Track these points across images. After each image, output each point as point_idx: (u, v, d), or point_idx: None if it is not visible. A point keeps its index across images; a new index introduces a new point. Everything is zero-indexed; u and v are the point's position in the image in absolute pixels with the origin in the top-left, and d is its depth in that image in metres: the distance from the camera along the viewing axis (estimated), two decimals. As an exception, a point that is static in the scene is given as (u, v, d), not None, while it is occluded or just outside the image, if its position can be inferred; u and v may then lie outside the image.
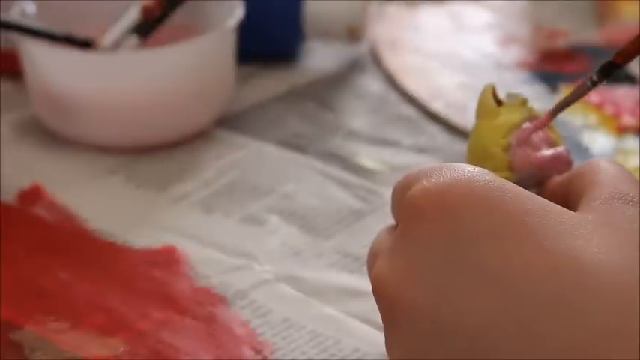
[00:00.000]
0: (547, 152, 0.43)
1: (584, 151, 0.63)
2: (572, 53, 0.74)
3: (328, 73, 0.73)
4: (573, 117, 0.66)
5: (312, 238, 0.56)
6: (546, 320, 0.33)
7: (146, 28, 0.64)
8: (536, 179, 0.42)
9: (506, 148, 0.42)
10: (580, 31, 0.77)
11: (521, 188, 0.37)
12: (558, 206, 0.36)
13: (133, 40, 0.64)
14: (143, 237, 0.56)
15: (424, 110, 0.68)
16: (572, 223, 0.35)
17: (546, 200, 0.37)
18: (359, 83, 0.72)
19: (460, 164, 0.38)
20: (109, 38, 0.64)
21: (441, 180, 0.37)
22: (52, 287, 0.52)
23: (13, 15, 0.64)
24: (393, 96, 0.70)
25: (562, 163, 0.42)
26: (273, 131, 0.65)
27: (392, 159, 0.63)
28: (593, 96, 0.67)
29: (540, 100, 0.68)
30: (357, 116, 0.68)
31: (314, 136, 0.65)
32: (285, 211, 0.58)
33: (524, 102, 0.43)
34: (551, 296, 0.34)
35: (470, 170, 0.37)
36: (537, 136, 0.43)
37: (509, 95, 0.43)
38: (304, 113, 0.68)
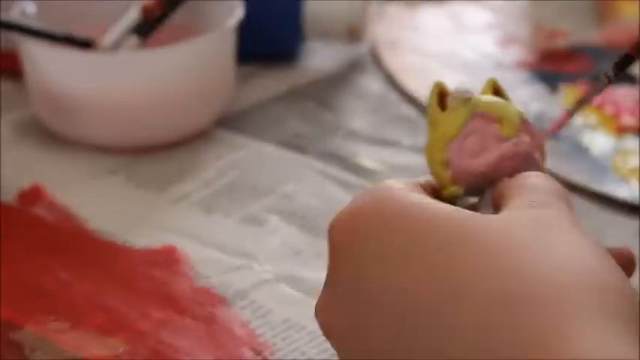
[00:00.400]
0: (488, 155, 0.40)
1: (584, 151, 0.63)
2: (572, 53, 0.74)
3: (328, 73, 0.73)
4: (573, 117, 0.66)
5: (312, 238, 0.56)
6: (427, 338, 0.34)
7: (146, 28, 0.64)
8: (488, 183, 0.40)
9: (446, 163, 0.40)
10: (580, 31, 0.77)
11: (427, 201, 0.37)
12: (465, 215, 0.36)
13: (133, 40, 0.64)
14: (143, 237, 0.56)
15: (424, 110, 0.68)
16: (467, 234, 0.35)
17: (456, 211, 0.36)
18: (359, 83, 0.72)
19: (384, 184, 0.38)
20: (109, 38, 0.64)
21: (348, 208, 0.38)
22: (52, 287, 0.52)
23: (13, 15, 0.64)
24: (393, 96, 0.70)
25: (508, 160, 0.40)
26: (273, 131, 0.65)
27: (392, 159, 0.63)
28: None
29: (540, 100, 0.68)
30: (357, 116, 0.68)
31: (314, 136, 0.65)
32: (285, 211, 0.58)
33: (465, 100, 0.40)
34: (429, 315, 0.34)
35: (379, 191, 0.38)
36: (485, 134, 0.40)
37: (452, 97, 0.41)
38: (304, 113, 0.68)
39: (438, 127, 0.41)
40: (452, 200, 0.40)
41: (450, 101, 0.41)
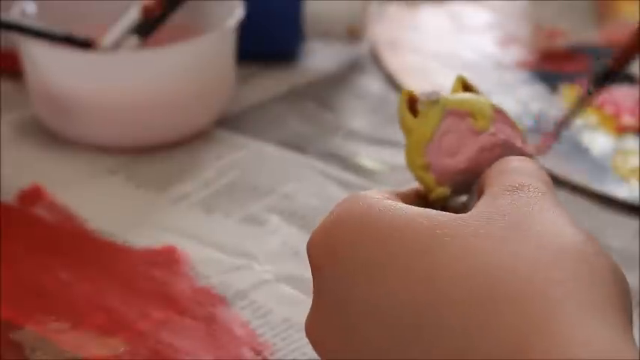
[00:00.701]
0: (466, 151, 0.40)
1: (584, 151, 0.63)
2: (572, 53, 0.74)
3: (328, 73, 0.73)
4: (559, 135, 0.66)
5: (312, 238, 0.56)
6: (414, 344, 0.34)
7: (146, 28, 0.64)
8: (473, 178, 0.40)
9: (427, 167, 0.40)
10: (580, 31, 0.77)
11: (402, 207, 0.37)
12: (440, 216, 0.36)
13: (133, 40, 0.64)
14: (143, 237, 0.56)
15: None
16: (443, 236, 0.35)
17: (431, 214, 0.36)
18: (359, 83, 0.72)
19: (357, 195, 0.38)
20: (109, 38, 0.64)
21: (323, 223, 0.38)
22: (52, 287, 0.52)
23: (13, 15, 0.64)
24: (393, 96, 0.70)
25: (487, 152, 0.40)
26: (273, 131, 0.65)
27: (392, 159, 0.63)
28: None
29: (540, 100, 0.68)
30: (357, 116, 0.68)
31: (314, 136, 0.65)
32: (286, 211, 0.58)
33: (434, 102, 0.41)
34: (413, 322, 0.34)
35: (352, 203, 0.37)
36: (460, 131, 0.40)
37: (421, 102, 0.41)
38: (304, 113, 0.68)
39: (413, 133, 0.41)
40: (442, 202, 0.40)
41: (419, 106, 0.41)
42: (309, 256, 0.38)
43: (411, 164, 0.41)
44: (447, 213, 0.36)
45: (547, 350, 0.31)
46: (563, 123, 0.42)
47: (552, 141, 0.42)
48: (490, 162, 0.39)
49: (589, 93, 0.41)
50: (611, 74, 0.40)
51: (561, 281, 0.32)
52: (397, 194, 0.40)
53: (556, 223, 0.35)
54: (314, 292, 0.38)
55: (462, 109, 0.40)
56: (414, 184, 0.42)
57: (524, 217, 0.35)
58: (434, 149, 0.40)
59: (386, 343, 0.35)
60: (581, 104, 0.42)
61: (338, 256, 0.37)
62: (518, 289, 0.32)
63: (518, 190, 0.36)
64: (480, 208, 0.36)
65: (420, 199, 0.41)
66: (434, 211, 0.36)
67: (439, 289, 0.34)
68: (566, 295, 0.32)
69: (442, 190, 0.40)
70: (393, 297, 0.35)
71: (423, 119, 0.41)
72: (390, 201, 0.37)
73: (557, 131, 0.42)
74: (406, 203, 0.38)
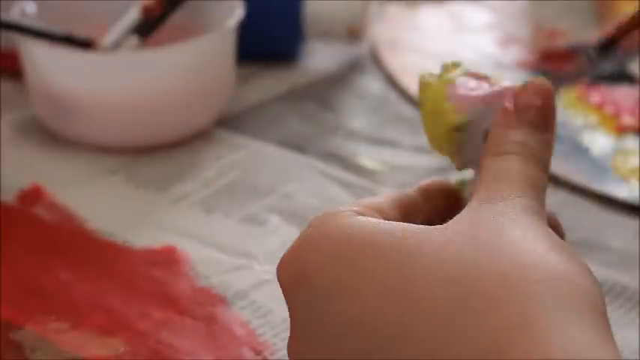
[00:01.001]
0: (484, 88, 0.42)
1: (584, 152, 0.63)
2: (572, 53, 0.74)
3: (328, 73, 0.73)
4: (573, 117, 0.66)
5: (312, 238, 0.55)
6: (396, 356, 0.34)
7: (146, 28, 0.64)
8: (486, 119, 0.41)
9: (447, 98, 0.42)
10: (580, 31, 0.77)
11: (372, 221, 0.36)
12: (412, 228, 0.36)
13: (133, 40, 0.64)
14: (143, 237, 0.56)
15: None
16: (416, 245, 0.35)
17: (402, 226, 0.36)
18: (359, 83, 0.72)
19: (326, 213, 0.38)
20: (109, 38, 0.64)
21: (292, 246, 0.38)
22: (52, 287, 0.52)
23: (13, 15, 0.64)
24: (393, 96, 0.70)
25: (503, 97, 0.41)
26: (273, 131, 0.65)
27: (392, 159, 0.63)
28: (594, 96, 0.67)
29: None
30: (357, 116, 0.68)
31: (314, 136, 0.65)
32: (286, 211, 0.58)
33: (454, 65, 0.43)
34: (391, 333, 0.34)
35: (321, 222, 0.37)
36: (472, 83, 0.42)
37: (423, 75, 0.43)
38: (304, 113, 0.68)
39: (427, 91, 0.42)
40: (461, 187, 0.42)
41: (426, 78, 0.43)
42: (279, 281, 0.38)
43: (429, 101, 0.42)
44: (422, 226, 0.36)
45: (527, 350, 0.31)
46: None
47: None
48: (505, 99, 0.40)
49: (589, 57, 0.41)
50: (612, 43, 0.40)
51: (538, 281, 0.32)
52: (374, 207, 0.39)
53: (535, 237, 0.35)
54: (290, 316, 0.38)
55: (480, 73, 0.42)
56: (403, 190, 0.42)
57: (499, 231, 0.35)
58: (453, 89, 0.42)
59: (366, 357, 0.34)
60: (581, 68, 0.42)
61: (309, 277, 0.36)
62: (495, 290, 0.32)
63: (499, 202, 0.36)
64: (458, 220, 0.36)
65: (402, 209, 0.41)
66: (407, 224, 0.36)
67: (414, 299, 0.33)
68: (544, 294, 0.32)
69: (461, 117, 0.41)
70: (368, 311, 0.34)
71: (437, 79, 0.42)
72: (361, 217, 0.37)
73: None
74: (387, 215, 0.39)
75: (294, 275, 0.37)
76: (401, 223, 0.37)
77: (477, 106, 0.41)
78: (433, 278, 0.34)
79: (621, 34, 0.40)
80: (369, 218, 0.37)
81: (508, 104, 0.40)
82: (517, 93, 0.40)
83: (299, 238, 0.38)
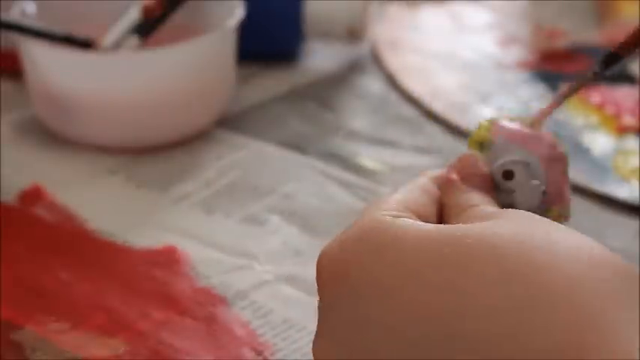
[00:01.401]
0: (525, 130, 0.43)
1: (584, 152, 0.63)
2: (572, 53, 0.74)
3: (328, 73, 0.73)
4: (574, 117, 0.66)
5: (313, 238, 0.56)
6: (439, 357, 0.33)
7: (146, 28, 0.64)
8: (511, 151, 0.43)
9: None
10: (580, 31, 0.77)
11: (416, 224, 0.36)
12: (457, 229, 0.35)
13: (133, 40, 0.64)
14: (143, 237, 0.56)
15: (424, 110, 0.68)
16: (463, 246, 0.34)
17: (445, 228, 0.36)
18: (359, 83, 0.72)
19: (368, 215, 0.38)
20: (109, 38, 0.64)
21: (336, 239, 0.37)
22: (52, 287, 0.52)
23: (13, 15, 0.64)
24: (393, 96, 0.70)
25: (536, 143, 0.42)
26: (273, 131, 0.65)
27: (392, 159, 0.63)
28: (594, 96, 0.67)
29: (541, 100, 0.68)
30: (357, 116, 0.68)
31: (314, 136, 0.65)
32: (286, 211, 0.58)
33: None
34: (437, 336, 0.33)
35: (365, 222, 0.37)
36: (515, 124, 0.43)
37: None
38: (305, 113, 0.68)
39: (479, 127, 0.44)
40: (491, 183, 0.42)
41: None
42: (320, 269, 0.37)
43: (476, 131, 0.44)
44: (465, 225, 0.36)
45: (598, 354, 0.30)
46: (562, 98, 0.42)
47: (551, 112, 0.43)
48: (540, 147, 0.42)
49: (593, 73, 0.41)
50: (617, 56, 0.40)
51: (605, 279, 0.32)
52: (411, 209, 0.39)
53: (578, 235, 0.35)
54: (321, 311, 0.37)
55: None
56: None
57: (548, 231, 0.35)
58: (499, 122, 0.44)
59: None
60: (584, 82, 0.42)
61: (357, 271, 0.36)
62: (553, 293, 0.32)
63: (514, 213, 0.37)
64: (503, 214, 0.37)
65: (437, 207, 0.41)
66: (452, 225, 0.36)
67: (464, 299, 0.33)
68: (613, 291, 0.32)
69: (489, 136, 0.43)
70: (414, 313, 0.34)
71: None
72: (403, 219, 0.37)
73: (557, 102, 0.42)
74: (425, 215, 0.39)
75: (342, 265, 0.36)
76: (442, 225, 0.37)
77: (508, 137, 0.43)
78: (483, 278, 0.33)
79: (626, 49, 0.40)
80: (412, 220, 0.37)
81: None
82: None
83: (342, 234, 0.37)
